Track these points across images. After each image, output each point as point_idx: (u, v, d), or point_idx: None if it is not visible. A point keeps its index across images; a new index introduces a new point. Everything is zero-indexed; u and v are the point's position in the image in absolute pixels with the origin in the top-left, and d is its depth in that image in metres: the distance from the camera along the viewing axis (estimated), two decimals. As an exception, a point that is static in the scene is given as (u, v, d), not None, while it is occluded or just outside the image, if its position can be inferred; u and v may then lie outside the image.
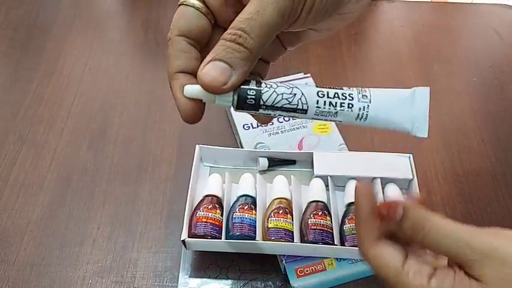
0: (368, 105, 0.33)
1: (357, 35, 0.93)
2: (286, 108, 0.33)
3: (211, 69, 0.35)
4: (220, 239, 0.60)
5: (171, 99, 0.86)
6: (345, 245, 0.59)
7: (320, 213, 0.61)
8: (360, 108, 0.33)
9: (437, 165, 0.74)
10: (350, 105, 0.33)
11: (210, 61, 0.35)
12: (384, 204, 0.36)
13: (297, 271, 0.60)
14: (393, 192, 0.65)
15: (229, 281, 0.62)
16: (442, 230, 0.35)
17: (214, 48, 0.35)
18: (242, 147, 0.72)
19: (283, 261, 0.60)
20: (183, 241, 0.59)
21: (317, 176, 0.66)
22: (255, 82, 0.34)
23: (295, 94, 0.33)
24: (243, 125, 0.74)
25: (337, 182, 0.66)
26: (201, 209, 0.61)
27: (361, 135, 0.76)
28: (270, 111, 0.34)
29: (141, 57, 0.90)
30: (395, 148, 0.72)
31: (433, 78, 0.85)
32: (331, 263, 0.60)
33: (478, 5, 1.00)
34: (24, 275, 0.63)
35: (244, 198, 0.63)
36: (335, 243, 0.59)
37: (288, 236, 0.60)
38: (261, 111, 0.34)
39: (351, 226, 0.60)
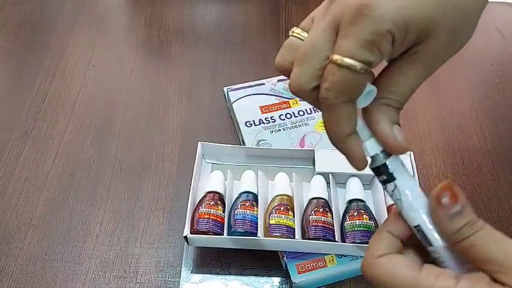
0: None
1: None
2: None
3: (400, 134, 0.37)
4: (222, 235, 0.60)
5: (174, 95, 0.86)
6: (345, 242, 0.60)
7: (321, 210, 0.61)
8: None
9: (438, 162, 0.74)
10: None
11: (392, 127, 0.37)
12: (448, 188, 0.34)
13: (298, 267, 0.60)
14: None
15: (231, 277, 0.62)
16: (494, 237, 0.34)
17: (388, 113, 0.37)
18: (244, 144, 0.72)
19: (285, 258, 0.61)
20: (185, 237, 0.59)
21: (318, 173, 0.66)
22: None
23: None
24: (245, 122, 0.74)
25: (338, 179, 0.67)
26: (203, 205, 0.62)
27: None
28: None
29: (144, 54, 0.90)
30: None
31: (435, 76, 0.84)
32: (332, 260, 0.61)
33: (480, 4, 0.99)
34: (27, 269, 0.63)
35: (246, 194, 0.63)
36: (336, 239, 0.60)
37: (289, 232, 0.60)
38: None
39: (351, 223, 0.61)
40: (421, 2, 0.33)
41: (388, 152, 0.37)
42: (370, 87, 0.35)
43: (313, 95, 0.35)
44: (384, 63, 0.37)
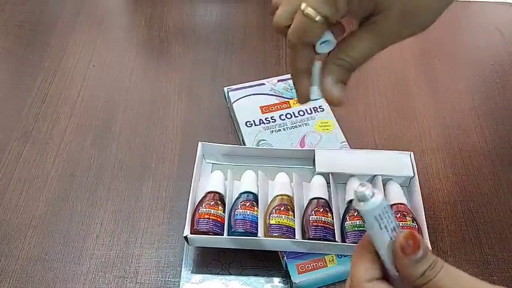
0: None
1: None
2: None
3: (339, 90, 0.44)
4: (222, 235, 0.60)
5: (174, 95, 0.87)
6: (345, 242, 0.60)
7: (321, 210, 0.61)
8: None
9: (438, 162, 0.74)
10: None
11: (335, 83, 0.44)
12: (411, 236, 0.36)
13: (298, 267, 0.60)
14: (394, 190, 0.65)
15: (231, 277, 0.62)
16: (452, 275, 0.36)
17: (337, 71, 0.44)
18: (244, 144, 0.72)
19: (285, 258, 0.61)
20: (186, 237, 0.59)
21: (318, 173, 0.66)
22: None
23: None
24: (246, 122, 0.74)
25: (338, 179, 0.67)
26: (203, 205, 0.62)
27: (363, 133, 0.77)
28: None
29: (144, 55, 0.90)
30: (397, 146, 0.73)
31: (435, 76, 0.85)
32: (332, 260, 0.61)
33: (480, 4, 1.00)
34: (28, 270, 0.63)
35: (246, 195, 0.63)
36: (336, 239, 0.60)
37: (290, 232, 0.60)
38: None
39: (351, 223, 0.61)
40: None
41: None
42: (328, 37, 0.42)
43: (286, 32, 0.43)
44: None
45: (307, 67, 0.45)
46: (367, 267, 0.37)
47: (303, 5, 0.40)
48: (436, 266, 0.35)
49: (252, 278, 0.62)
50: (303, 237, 0.60)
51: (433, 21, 0.45)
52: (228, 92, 0.79)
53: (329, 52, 0.44)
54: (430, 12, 0.45)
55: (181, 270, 0.63)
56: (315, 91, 0.46)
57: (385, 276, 0.38)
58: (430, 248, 0.59)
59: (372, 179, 0.67)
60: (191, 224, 0.61)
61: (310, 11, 0.40)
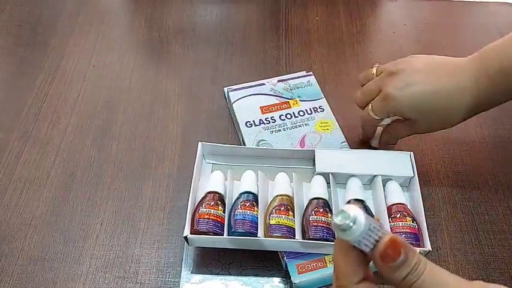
0: None
1: (359, 34, 0.93)
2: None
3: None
4: (222, 235, 0.60)
5: (174, 96, 0.87)
6: (345, 242, 0.60)
7: (321, 210, 0.61)
8: None
9: (438, 162, 0.74)
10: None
11: (383, 145, 0.73)
12: (391, 244, 0.36)
13: (298, 267, 0.60)
14: (394, 190, 0.65)
15: (231, 277, 0.62)
16: (436, 276, 0.36)
17: (388, 138, 0.72)
18: (244, 144, 0.72)
19: (285, 258, 0.61)
20: (186, 237, 0.59)
21: (318, 173, 0.66)
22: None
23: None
24: (246, 123, 0.74)
25: (338, 179, 0.67)
26: (203, 205, 0.62)
27: (362, 133, 0.77)
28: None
29: (144, 55, 0.90)
30: (397, 146, 0.73)
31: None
32: (332, 260, 0.61)
33: (480, 4, 1.00)
34: (28, 269, 0.63)
35: (246, 195, 0.63)
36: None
37: (290, 232, 0.60)
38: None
39: (351, 223, 0.61)
40: (409, 111, 0.65)
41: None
42: (386, 121, 0.70)
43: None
44: None
45: (374, 128, 0.74)
46: (354, 269, 0.38)
47: (369, 107, 0.67)
48: (419, 268, 0.36)
49: (252, 278, 0.62)
50: (303, 237, 0.60)
51: (451, 126, 0.67)
52: (228, 92, 0.79)
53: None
54: (447, 125, 0.66)
55: (181, 270, 0.63)
56: (376, 142, 0.74)
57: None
58: (430, 248, 0.59)
59: (372, 179, 0.67)
60: (191, 224, 0.61)
61: (371, 113, 0.67)
